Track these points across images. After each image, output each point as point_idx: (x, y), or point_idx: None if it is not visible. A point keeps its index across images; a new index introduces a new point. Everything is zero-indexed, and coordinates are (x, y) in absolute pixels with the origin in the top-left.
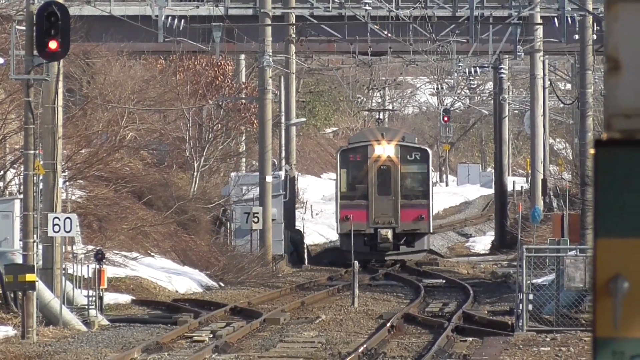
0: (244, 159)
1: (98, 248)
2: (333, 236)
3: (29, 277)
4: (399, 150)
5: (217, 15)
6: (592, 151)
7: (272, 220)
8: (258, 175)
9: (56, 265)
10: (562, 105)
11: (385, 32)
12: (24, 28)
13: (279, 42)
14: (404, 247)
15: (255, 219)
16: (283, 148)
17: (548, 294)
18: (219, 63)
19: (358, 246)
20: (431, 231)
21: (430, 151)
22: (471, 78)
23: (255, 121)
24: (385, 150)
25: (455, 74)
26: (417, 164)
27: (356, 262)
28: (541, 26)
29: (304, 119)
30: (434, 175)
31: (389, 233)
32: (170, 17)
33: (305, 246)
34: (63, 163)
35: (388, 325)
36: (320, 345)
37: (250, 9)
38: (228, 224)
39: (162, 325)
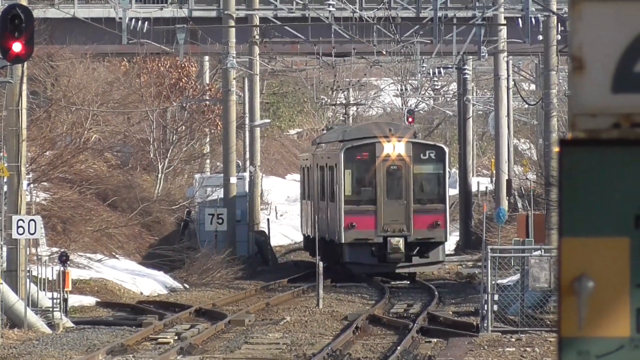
0: (208, 161)
1: (62, 250)
2: (298, 237)
3: None
4: (411, 148)
5: (180, 17)
6: (556, 149)
7: (237, 221)
8: (222, 177)
9: (20, 267)
10: (526, 105)
11: (349, 33)
12: None
13: (243, 44)
14: (416, 259)
15: (220, 220)
16: (247, 149)
17: (513, 294)
18: (183, 65)
19: (364, 257)
20: (447, 240)
21: (447, 149)
22: (435, 79)
23: (219, 123)
24: (395, 148)
25: (419, 75)
26: (431, 164)
27: (321, 262)
28: (505, 27)
29: (268, 121)
30: (450, 176)
31: (400, 242)
32: (134, 19)
33: (269, 247)
34: (27, 165)
35: (353, 326)
36: (285, 346)
37: (214, 10)
38: (192, 226)
39: (126, 327)
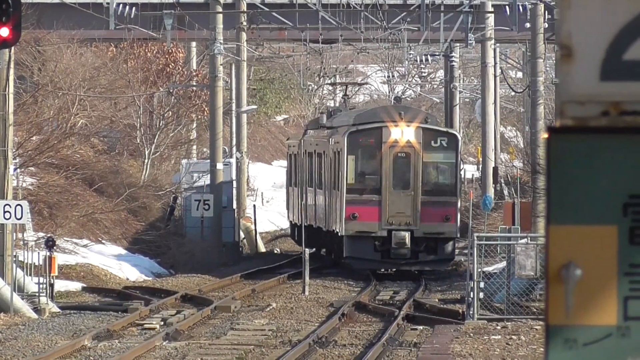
0: (194, 147)
1: (49, 235)
2: (284, 224)
3: None
4: (422, 134)
5: (168, 2)
6: (545, 135)
7: (223, 207)
8: (209, 163)
9: (7, 252)
10: (513, 93)
11: (337, 20)
12: None
13: (230, 30)
14: (424, 255)
15: (206, 206)
16: (234, 135)
17: (499, 282)
18: (170, 50)
19: (366, 252)
20: (458, 236)
21: (459, 136)
22: (422, 66)
23: (206, 109)
24: (404, 133)
25: (407, 62)
26: (443, 152)
27: (307, 249)
28: (492, 14)
29: (254, 107)
30: (463, 167)
31: (406, 237)
32: (121, 5)
33: (256, 234)
34: (14, 150)
35: (339, 313)
36: (271, 333)
37: None
38: (178, 211)
39: (112, 313)
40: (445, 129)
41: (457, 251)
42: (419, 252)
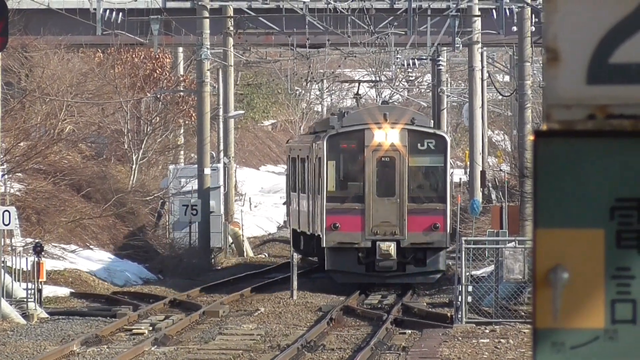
0: (182, 152)
1: (37, 241)
2: (272, 229)
3: None
4: (407, 136)
5: (155, 8)
6: (531, 137)
7: (211, 212)
8: (197, 168)
9: None
10: (500, 97)
11: (323, 25)
12: None
13: (217, 35)
14: (411, 267)
15: (194, 212)
16: (221, 141)
17: (487, 285)
18: (157, 56)
19: (349, 265)
20: (448, 246)
21: (448, 138)
22: (409, 70)
23: (193, 114)
24: (388, 136)
25: (394, 66)
26: (430, 155)
27: (295, 254)
28: (479, 18)
29: (242, 112)
30: (452, 171)
31: (391, 247)
32: (108, 10)
33: (243, 239)
34: (1, 156)
35: (327, 317)
36: (260, 337)
37: (188, 1)
38: (166, 217)
39: (101, 318)
40: (432, 130)
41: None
42: (406, 264)
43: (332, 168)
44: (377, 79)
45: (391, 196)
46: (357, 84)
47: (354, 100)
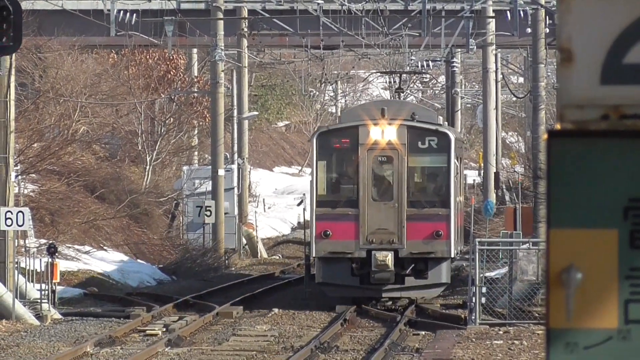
0: (196, 153)
1: (50, 242)
2: (286, 230)
3: None
4: (406, 133)
5: (169, 9)
6: (544, 137)
7: (225, 214)
8: (210, 169)
9: (9, 259)
10: (514, 98)
11: (338, 26)
12: None
13: (231, 36)
14: (410, 280)
15: (208, 213)
16: (235, 142)
17: (501, 287)
18: (171, 57)
19: (341, 277)
20: (452, 255)
21: (452, 136)
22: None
23: (207, 115)
24: (385, 133)
25: (408, 68)
26: (432, 155)
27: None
28: (493, 19)
29: (256, 113)
30: (464, 172)
31: (388, 258)
32: (122, 11)
33: (257, 240)
34: (15, 157)
35: (341, 318)
36: (273, 338)
37: (203, 3)
38: (180, 218)
39: (114, 319)
40: (434, 127)
41: (458, 257)
42: (405, 276)
43: (323, 169)
44: (422, 70)
45: (388, 200)
46: (398, 76)
47: (396, 95)
